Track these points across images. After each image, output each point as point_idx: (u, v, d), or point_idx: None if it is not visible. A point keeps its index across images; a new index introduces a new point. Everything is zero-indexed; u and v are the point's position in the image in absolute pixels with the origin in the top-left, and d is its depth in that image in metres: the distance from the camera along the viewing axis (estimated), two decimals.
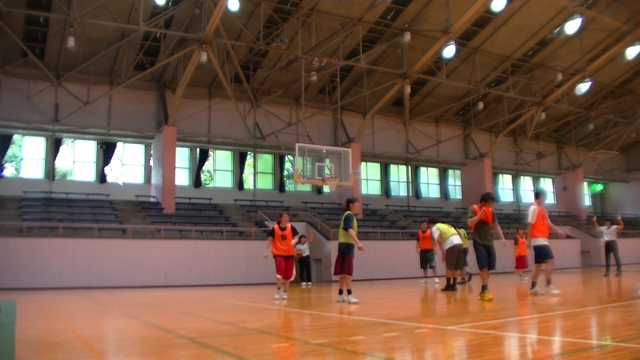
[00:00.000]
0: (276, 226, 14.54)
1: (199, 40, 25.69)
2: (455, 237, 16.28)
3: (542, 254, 12.80)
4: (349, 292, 12.87)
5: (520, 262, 20.80)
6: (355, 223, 12.68)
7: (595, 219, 24.55)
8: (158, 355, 6.19)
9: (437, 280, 20.77)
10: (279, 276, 14.39)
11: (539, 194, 13.46)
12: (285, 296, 14.57)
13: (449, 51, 29.01)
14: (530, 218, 12.93)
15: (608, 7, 30.16)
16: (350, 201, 12.77)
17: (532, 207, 13.04)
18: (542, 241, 12.88)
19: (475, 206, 12.75)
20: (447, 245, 16.17)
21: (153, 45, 28.70)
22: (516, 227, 38.31)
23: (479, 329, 7.41)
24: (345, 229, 12.50)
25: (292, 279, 14.74)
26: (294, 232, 14.73)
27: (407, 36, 28.53)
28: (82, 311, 12.49)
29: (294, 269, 15.19)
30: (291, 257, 14.70)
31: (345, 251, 12.83)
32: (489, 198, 12.78)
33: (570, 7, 28.96)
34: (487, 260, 12.58)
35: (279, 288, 14.58)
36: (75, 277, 22.70)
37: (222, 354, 6.02)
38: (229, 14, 25.39)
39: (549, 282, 12.94)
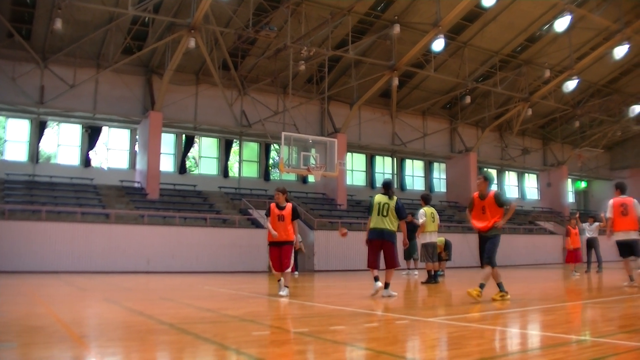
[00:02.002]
0: (273, 205, 11.88)
1: (187, 26, 25.57)
2: (433, 235, 16.24)
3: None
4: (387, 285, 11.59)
5: (572, 256, 19.74)
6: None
7: (577, 216, 24.70)
8: (138, 341, 6.17)
9: (416, 272, 20.80)
10: (275, 272, 11.78)
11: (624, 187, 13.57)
12: (283, 292, 11.44)
13: (438, 44, 28.99)
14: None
15: (598, 6, 30.27)
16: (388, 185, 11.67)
17: (636, 201, 13.09)
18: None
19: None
20: (423, 239, 16.16)
21: (141, 30, 28.52)
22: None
23: (459, 322, 7.44)
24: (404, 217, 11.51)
25: (289, 270, 11.71)
26: (295, 213, 11.82)
27: (397, 28, 28.53)
28: (63, 295, 12.44)
29: (292, 257, 11.87)
30: (288, 243, 11.62)
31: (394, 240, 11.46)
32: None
33: (561, 4, 29.04)
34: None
35: (284, 286, 11.64)
36: (57, 261, 22.58)
37: (203, 341, 6.01)
38: (218, 1, 25.29)
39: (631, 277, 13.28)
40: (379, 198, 11.35)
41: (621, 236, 13.27)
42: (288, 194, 12.12)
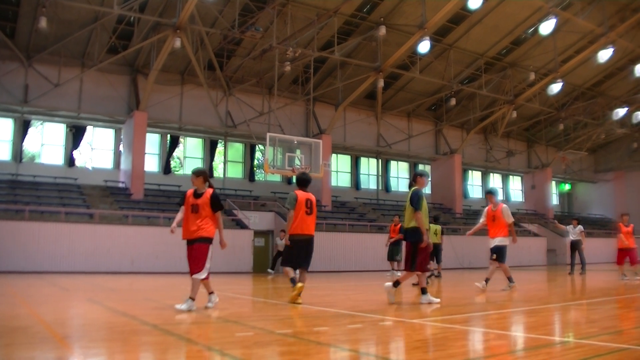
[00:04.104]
0: (190, 191, 9.37)
1: (173, 26, 25.49)
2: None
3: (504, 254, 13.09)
4: (424, 291, 10.07)
5: (622, 256, 18.16)
6: (425, 204, 10.20)
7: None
8: (121, 341, 6.15)
9: (398, 273, 20.86)
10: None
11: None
12: (188, 307, 8.83)
13: (424, 46, 29.09)
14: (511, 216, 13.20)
15: (583, 9, 30.47)
16: (419, 174, 10.43)
17: (506, 206, 13.28)
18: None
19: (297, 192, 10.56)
20: None
21: (126, 29, 28.36)
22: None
23: (443, 323, 7.46)
24: (416, 209, 9.94)
25: (203, 276, 8.97)
26: (215, 202, 9.25)
27: (383, 30, 28.61)
28: (46, 296, 12.36)
29: (208, 260, 9.09)
30: (200, 240, 9.07)
31: (417, 239, 9.93)
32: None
33: (546, 7, 29.21)
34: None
35: (190, 297, 8.97)
36: (40, 261, 22.41)
37: (186, 342, 5.99)
38: (204, 1, 25.21)
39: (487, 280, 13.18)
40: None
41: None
42: (208, 177, 9.50)
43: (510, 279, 13.18)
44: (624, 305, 10.02)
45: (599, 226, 44.58)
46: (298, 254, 10.36)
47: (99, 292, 13.24)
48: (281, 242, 24.64)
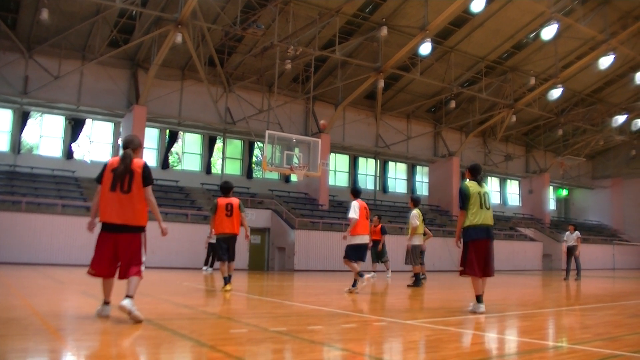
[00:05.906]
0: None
1: (174, 21, 25.48)
2: (421, 237, 16.17)
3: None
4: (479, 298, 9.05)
5: None
6: None
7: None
8: (114, 335, 6.14)
9: (374, 274, 20.72)
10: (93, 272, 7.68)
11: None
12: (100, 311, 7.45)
13: (425, 48, 29.11)
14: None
15: (585, 15, 30.51)
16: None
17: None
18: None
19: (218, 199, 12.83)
20: (414, 241, 16.03)
21: (128, 23, 28.35)
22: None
23: (437, 325, 7.46)
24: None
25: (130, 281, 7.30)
26: (127, 171, 7.63)
27: (384, 30, 28.61)
28: (41, 288, 12.35)
29: (142, 254, 7.58)
30: (128, 229, 7.56)
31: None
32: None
33: (548, 13, 29.20)
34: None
35: (106, 302, 7.55)
36: (36, 253, 22.43)
37: (179, 337, 5.98)
38: None
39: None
40: (476, 186, 9.28)
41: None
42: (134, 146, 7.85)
43: (355, 283, 13.02)
44: (618, 311, 10.03)
45: (595, 232, 44.70)
46: (222, 249, 12.47)
47: (93, 285, 13.18)
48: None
